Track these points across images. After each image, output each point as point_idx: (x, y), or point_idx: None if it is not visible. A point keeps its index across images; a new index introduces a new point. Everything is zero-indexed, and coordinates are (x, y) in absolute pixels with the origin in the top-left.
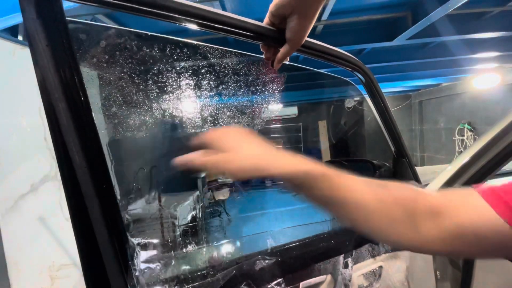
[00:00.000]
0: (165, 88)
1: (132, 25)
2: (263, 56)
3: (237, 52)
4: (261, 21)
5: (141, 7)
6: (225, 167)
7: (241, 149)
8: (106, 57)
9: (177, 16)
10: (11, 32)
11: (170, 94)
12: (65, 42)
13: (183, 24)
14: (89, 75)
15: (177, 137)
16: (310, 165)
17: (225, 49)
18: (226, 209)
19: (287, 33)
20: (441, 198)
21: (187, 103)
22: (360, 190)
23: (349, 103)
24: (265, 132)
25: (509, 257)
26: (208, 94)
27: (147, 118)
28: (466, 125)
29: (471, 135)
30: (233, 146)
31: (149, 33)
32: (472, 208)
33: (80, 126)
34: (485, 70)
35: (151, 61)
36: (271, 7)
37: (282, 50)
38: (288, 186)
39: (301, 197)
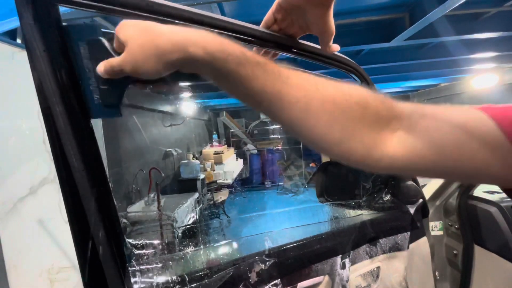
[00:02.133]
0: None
1: None
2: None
3: None
4: (260, 24)
5: (142, 14)
6: (128, 67)
7: (140, 37)
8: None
9: (179, 22)
10: (10, 35)
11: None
12: (62, 47)
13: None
14: None
15: None
16: (237, 45)
17: None
18: (224, 210)
19: (314, 30)
20: (415, 107)
21: (185, 103)
22: (301, 85)
23: None
24: (264, 133)
25: (491, 180)
26: (206, 95)
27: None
28: None
29: None
30: (130, 38)
31: None
32: (463, 119)
33: (77, 130)
34: (484, 70)
35: None
36: None
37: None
38: (204, 71)
39: (219, 87)
